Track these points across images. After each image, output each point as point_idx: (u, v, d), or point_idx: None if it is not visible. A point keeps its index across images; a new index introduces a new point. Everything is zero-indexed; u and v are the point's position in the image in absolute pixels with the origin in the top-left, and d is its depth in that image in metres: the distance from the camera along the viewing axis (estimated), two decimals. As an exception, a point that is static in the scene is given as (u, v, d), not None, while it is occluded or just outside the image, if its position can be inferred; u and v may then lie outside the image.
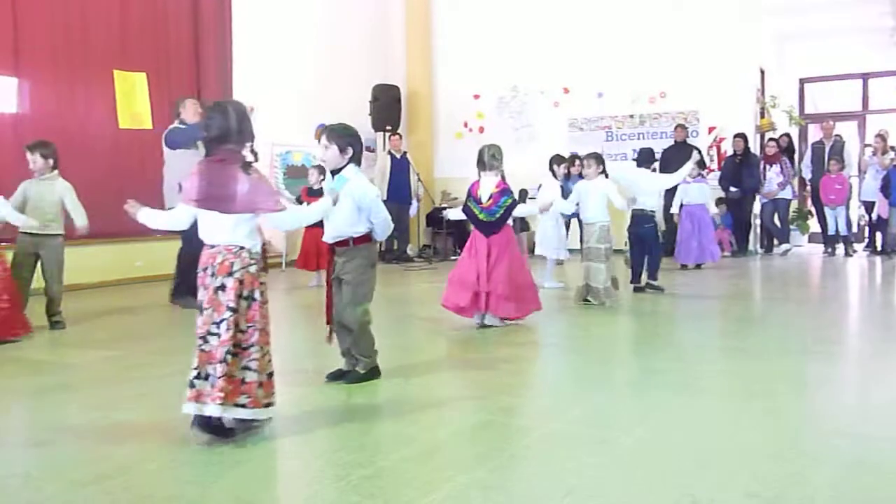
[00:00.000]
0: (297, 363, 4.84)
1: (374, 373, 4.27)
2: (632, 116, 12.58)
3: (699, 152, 11.18)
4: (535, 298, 5.96)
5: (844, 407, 3.91)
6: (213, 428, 3.24)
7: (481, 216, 5.80)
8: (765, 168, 11.88)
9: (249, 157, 3.33)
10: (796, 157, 12.90)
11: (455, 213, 6.17)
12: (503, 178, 5.85)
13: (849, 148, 12.35)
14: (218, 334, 3.19)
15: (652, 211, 7.76)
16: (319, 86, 11.75)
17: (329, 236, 4.21)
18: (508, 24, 13.09)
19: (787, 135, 12.58)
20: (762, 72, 12.63)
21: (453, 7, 13.71)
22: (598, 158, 7.28)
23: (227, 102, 3.44)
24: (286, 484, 2.86)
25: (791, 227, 12.50)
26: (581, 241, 7.26)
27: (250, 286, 3.27)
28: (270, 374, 3.35)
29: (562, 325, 6.35)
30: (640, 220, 7.70)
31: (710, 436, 3.34)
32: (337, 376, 4.26)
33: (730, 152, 11.86)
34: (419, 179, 12.30)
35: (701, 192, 9.91)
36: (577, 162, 9.48)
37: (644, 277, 7.83)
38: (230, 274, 3.23)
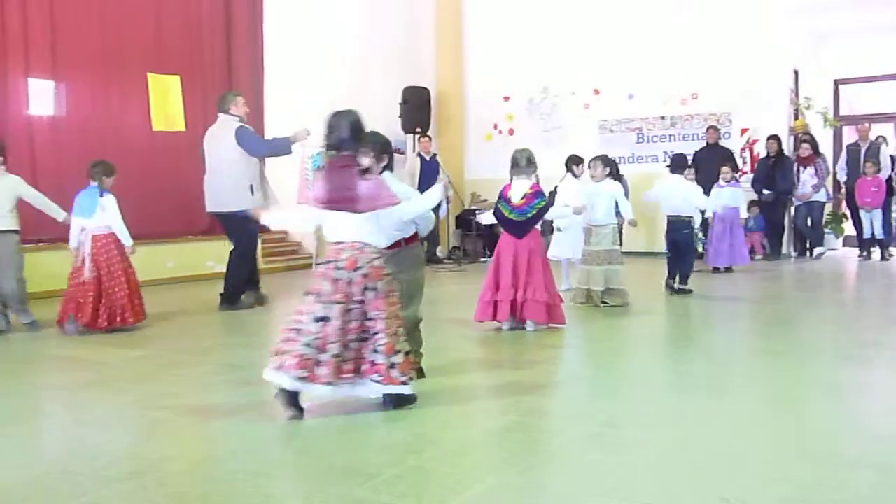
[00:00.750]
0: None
1: (420, 372, 4.23)
2: (663, 118, 12.48)
3: (732, 155, 11.13)
4: (561, 311, 5.94)
5: (880, 411, 3.85)
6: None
7: (511, 215, 5.80)
8: (798, 170, 11.72)
9: (365, 163, 3.71)
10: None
11: (487, 218, 6.17)
12: (537, 181, 5.85)
13: (885, 150, 12.13)
14: (350, 320, 3.55)
15: (689, 217, 7.86)
16: (349, 88, 11.76)
17: None
18: (539, 25, 13.05)
19: (809, 134, 12.23)
20: (796, 73, 12.46)
21: (483, 9, 13.70)
22: (605, 161, 7.29)
23: (344, 113, 3.76)
24: (316, 483, 2.87)
25: (825, 230, 12.31)
26: (586, 243, 7.20)
27: (375, 278, 3.61)
28: (405, 353, 3.68)
29: (589, 327, 6.32)
30: (677, 225, 7.81)
31: (743, 438, 3.31)
32: None
33: (763, 154, 11.72)
34: (449, 181, 12.30)
35: (734, 196, 9.78)
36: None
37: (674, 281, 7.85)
38: (357, 269, 3.58)
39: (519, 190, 5.80)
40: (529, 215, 5.76)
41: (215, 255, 7.53)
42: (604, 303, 6.94)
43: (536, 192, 5.79)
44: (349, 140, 3.67)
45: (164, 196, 9.61)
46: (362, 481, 2.87)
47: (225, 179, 7.01)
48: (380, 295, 3.60)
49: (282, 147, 7.22)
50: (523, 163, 5.81)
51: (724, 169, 9.76)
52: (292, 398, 3.56)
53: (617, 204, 7.16)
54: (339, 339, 3.52)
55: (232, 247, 7.29)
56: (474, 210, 12.18)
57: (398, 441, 3.34)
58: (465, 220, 13.11)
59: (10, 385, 4.56)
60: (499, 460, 3.07)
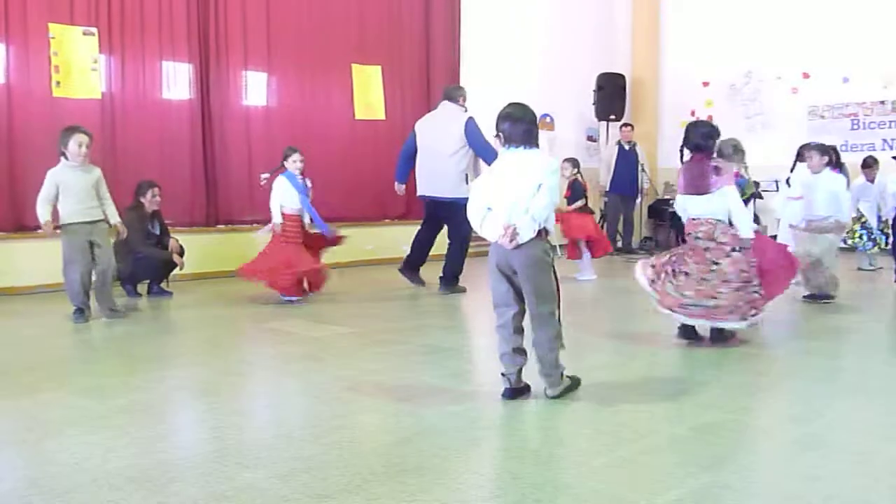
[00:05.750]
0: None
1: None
2: (882, 103, 11.46)
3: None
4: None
5: None
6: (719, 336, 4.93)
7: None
8: None
9: (716, 162, 4.87)
10: None
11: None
12: (745, 169, 5.52)
13: None
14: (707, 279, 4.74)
15: None
16: (545, 75, 11.76)
17: None
18: (742, 4, 12.38)
19: None
20: None
21: (683, -10, 13.20)
22: (821, 149, 6.75)
23: (701, 123, 5.08)
24: (521, 465, 2.88)
25: None
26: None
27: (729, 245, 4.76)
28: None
29: (799, 325, 5.94)
30: None
31: None
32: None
33: None
34: (643, 170, 11.96)
35: None
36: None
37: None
38: (712, 239, 4.77)
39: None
40: None
41: (410, 239, 7.73)
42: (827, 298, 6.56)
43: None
44: (702, 145, 4.83)
45: (364, 181, 10.03)
46: (569, 468, 2.86)
47: (445, 166, 7.13)
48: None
49: (491, 158, 7.17)
50: (728, 150, 5.38)
51: None
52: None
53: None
54: None
55: (447, 233, 7.45)
56: (668, 200, 11.78)
57: (604, 431, 3.28)
58: (657, 210, 12.75)
59: (229, 356, 4.95)
60: (711, 457, 2.94)
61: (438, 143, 7.20)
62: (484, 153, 7.10)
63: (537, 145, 3.66)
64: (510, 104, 3.70)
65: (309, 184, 6.89)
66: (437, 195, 7.23)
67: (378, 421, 3.50)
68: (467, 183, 7.09)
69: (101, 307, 5.94)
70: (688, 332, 4.97)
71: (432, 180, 7.25)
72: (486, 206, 3.65)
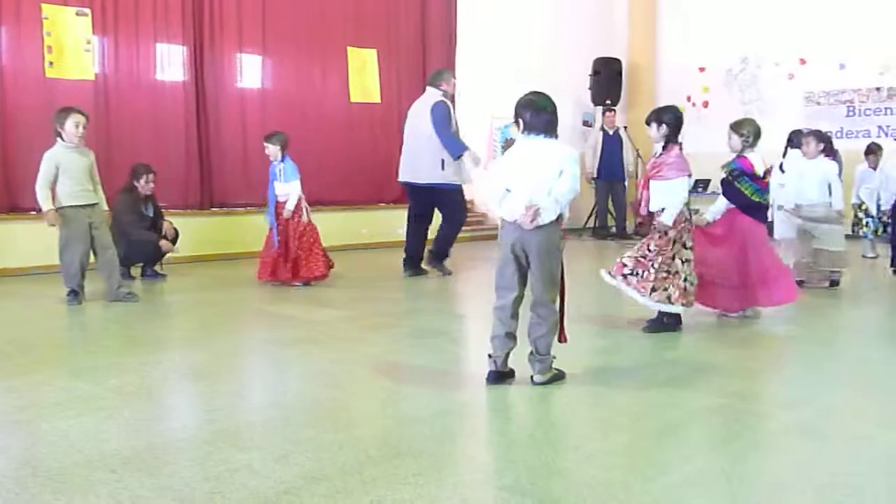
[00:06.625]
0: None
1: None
2: (878, 90, 11.46)
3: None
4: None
5: None
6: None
7: (756, 197, 5.15)
8: None
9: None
10: None
11: (717, 210, 5.31)
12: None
13: None
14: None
15: None
16: (541, 59, 11.70)
17: None
18: (740, -10, 12.35)
19: None
20: None
21: (680, -25, 13.12)
22: (818, 136, 6.75)
23: (670, 108, 4.90)
24: (518, 450, 2.89)
25: None
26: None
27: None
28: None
29: (800, 311, 5.95)
30: None
31: None
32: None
33: None
34: (639, 156, 11.94)
35: None
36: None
37: None
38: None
39: (760, 164, 5.15)
40: (768, 198, 5.25)
41: (405, 222, 7.71)
42: (832, 283, 6.59)
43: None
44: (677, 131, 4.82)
45: (359, 165, 10.01)
46: (565, 452, 2.86)
47: (421, 151, 7.14)
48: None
49: (454, 149, 7.08)
50: (757, 132, 5.20)
51: None
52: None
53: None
54: None
55: (442, 217, 7.41)
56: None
57: (600, 416, 3.29)
58: (652, 196, 12.71)
59: (224, 339, 4.93)
60: (707, 443, 2.95)
61: (414, 128, 7.24)
62: (443, 137, 7.04)
63: (556, 136, 3.66)
64: (533, 92, 3.69)
65: (282, 166, 6.66)
66: (415, 181, 7.24)
67: (374, 404, 3.50)
68: (443, 168, 7.05)
69: (110, 291, 5.87)
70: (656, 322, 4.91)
71: (413, 165, 7.25)
72: (505, 188, 3.64)
